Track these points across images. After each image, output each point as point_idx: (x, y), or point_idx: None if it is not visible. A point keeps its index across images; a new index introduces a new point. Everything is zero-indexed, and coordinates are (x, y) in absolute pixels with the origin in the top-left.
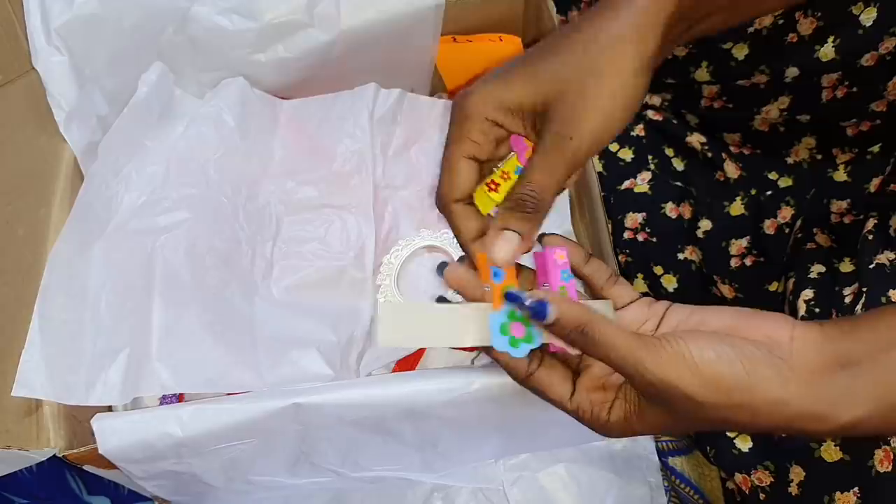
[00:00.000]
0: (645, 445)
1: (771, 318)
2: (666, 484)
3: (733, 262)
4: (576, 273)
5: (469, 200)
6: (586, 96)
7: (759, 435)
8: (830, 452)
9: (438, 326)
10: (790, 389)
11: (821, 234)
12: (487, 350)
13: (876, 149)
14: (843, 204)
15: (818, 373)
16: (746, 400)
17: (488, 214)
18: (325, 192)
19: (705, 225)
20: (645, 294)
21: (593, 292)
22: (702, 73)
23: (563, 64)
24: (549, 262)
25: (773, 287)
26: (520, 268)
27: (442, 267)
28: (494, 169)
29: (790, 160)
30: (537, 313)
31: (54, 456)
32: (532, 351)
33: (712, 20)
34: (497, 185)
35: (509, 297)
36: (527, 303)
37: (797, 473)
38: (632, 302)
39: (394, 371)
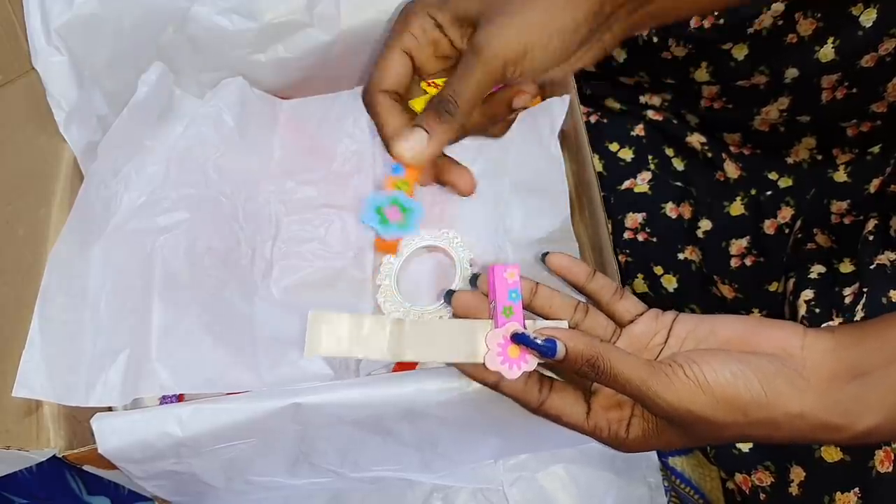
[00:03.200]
0: None
1: (781, 328)
2: (666, 484)
3: (733, 262)
4: (580, 290)
5: (397, 98)
6: (508, 13)
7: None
8: (831, 453)
9: (369, 339)
10: (807, 402)
11: (821, 234)
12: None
13: (876, 149)
14: (844, 204)
15: (832, 383)
16: (764, 416)
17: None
18: (325, 191)
19: (705, 225)
20: (643, 294)
21: (600, 308)
22: (701, 74)
23: None
24: (498, 280)
25: (773, 287)
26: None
27: (449, 295)
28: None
29: (790, 160)
30: (546, 351)
31: (54, 456)
32: (542, 379)
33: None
34: (436, 84)
35: (517, 338)
36: (537, 341)
37: (798, 474)
38: (640, 315)
39: (393, 371)
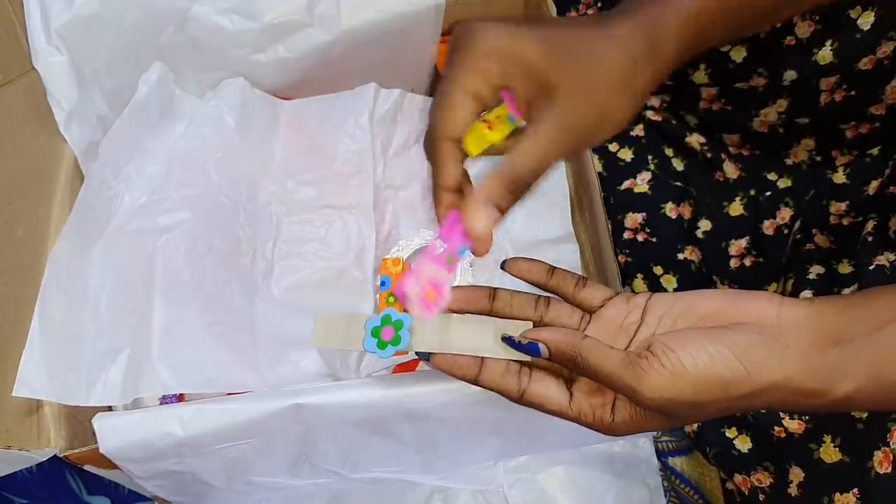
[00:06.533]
0: (644, 447)
1: (757, 298)
2: (665, 485)
3: (733, 263)
4: (543, 288)
5: (457, 143)
6: (595, 104)
7: (756, 433)
8: (830, 453)
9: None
10: (787, 368)
11: (820, 235)
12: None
13: (875, 151)
14: (842, 205)
15: (812, 348)
16: (746, 390)
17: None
18: (326, 192)
19: (705, 225)
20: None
21: (566, 301)
22: (700, 76)
23: (578, 61)
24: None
25: (771, 288)
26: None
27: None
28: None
29: (789, 161)
30: (531, 351)
31: (55, 456)
32: (520, 368)
33: (729, 36)
34: (493, 124)
35: (505, 340)
36: (521, 343)
37: (797, 474)
38: (609, 299)
39: (394, 373)
